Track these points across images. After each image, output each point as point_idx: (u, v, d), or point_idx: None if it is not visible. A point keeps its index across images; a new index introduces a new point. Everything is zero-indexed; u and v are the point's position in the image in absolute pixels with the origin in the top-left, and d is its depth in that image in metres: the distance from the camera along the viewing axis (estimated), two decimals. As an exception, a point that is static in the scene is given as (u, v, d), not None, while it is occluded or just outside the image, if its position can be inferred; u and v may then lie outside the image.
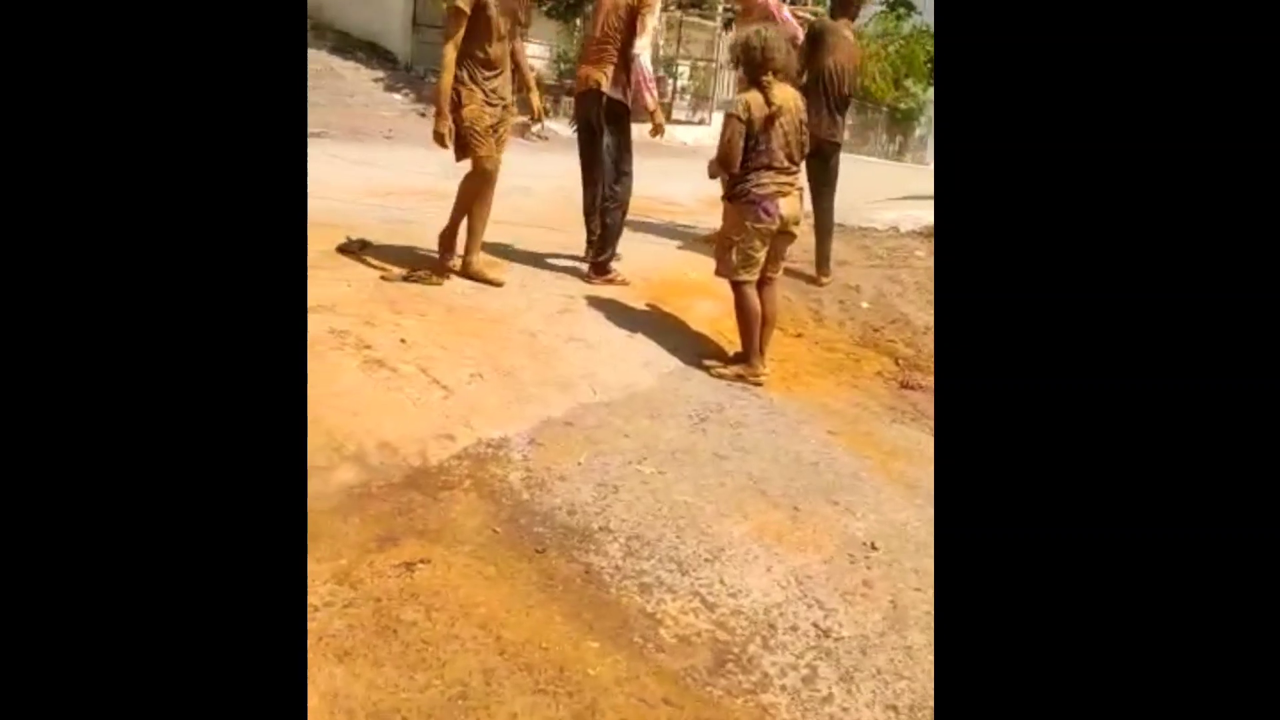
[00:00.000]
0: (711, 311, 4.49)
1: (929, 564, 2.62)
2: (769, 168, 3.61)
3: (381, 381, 3.01)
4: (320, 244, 4.39)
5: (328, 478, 2.50)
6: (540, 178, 7.10)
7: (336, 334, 3.23)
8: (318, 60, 12.80)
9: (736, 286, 3.80)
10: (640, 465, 2.94)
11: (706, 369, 3.85)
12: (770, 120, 3.55)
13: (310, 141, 8.62)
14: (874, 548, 2.69)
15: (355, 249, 4.38)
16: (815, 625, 2.29)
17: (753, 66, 3.62)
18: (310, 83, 12.09)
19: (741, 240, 3.69)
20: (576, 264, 4.81)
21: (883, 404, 3.82)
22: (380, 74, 13.19)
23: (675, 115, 15.84)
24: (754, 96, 3.58)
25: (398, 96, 12.63)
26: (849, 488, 3.03)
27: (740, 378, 3.80)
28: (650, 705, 1.92)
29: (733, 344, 4.30)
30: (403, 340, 3.31)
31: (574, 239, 5.02)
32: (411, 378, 3.08)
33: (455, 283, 4.12)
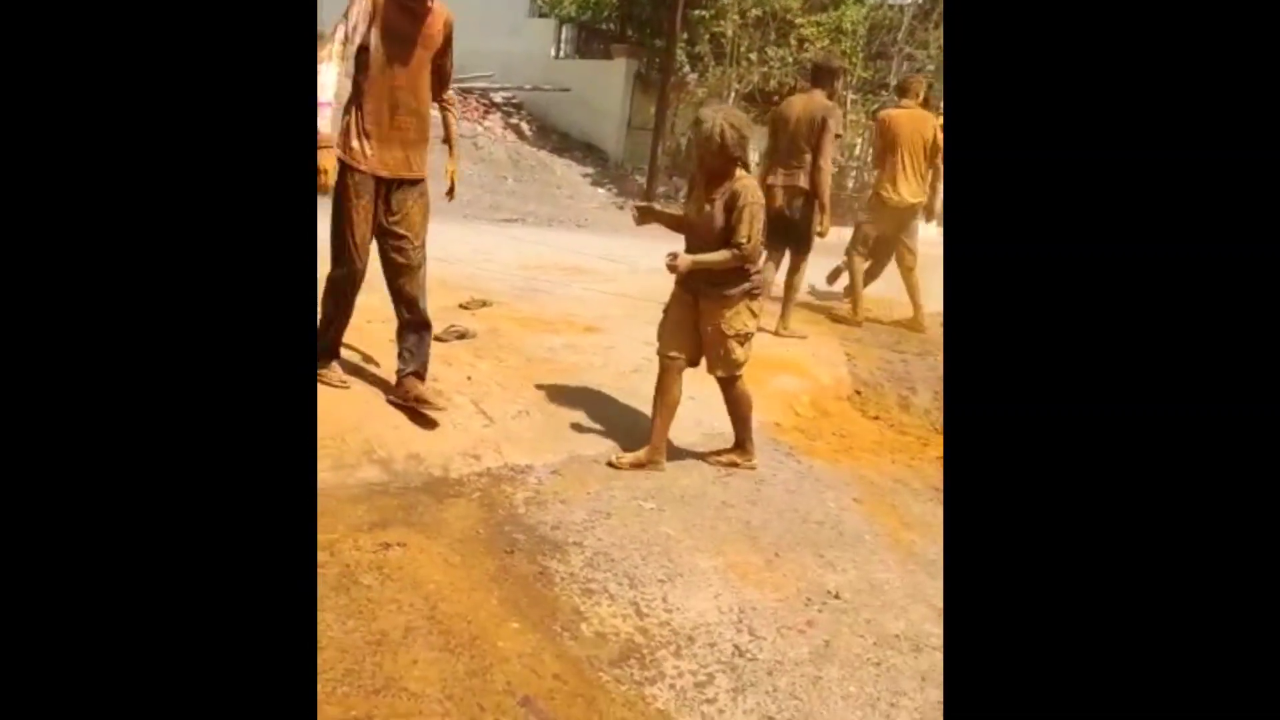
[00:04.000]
0: (790, 386, 4.70)
1: (889, 620, 2.72)
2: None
3: (432, 407, 3.47)
4: (447, 299, 5.02)
5: (353, 474, 2.97)
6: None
7: (412, 368, 3.75)
8: (534, 158, 14.07)
9: (736, 380, 3.63)
10: (644, 501, 3.22)
11: (702, 456, 3.74)
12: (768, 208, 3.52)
13: (504, 226, 9.59)
14: (837, 596, 2.81)
15: (475, 306, 4.97)
16: (735, 646, 2.46)
17: (741, 150, 3.39)
18: (524, 176, 13.37)
19: (751, 333, 3.59)
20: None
21: (928, 484, 3.87)
22: (589, 170, 14.27)
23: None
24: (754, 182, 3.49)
25: (601, 190, 13.60)
26: (844, 546, 3.15)
27: (734, 464, 3.69)
28: (539, 676, 2.19)
29: (802, 417, 4.50)
30: (469, 378, 3.78)
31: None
32: (462, 407, 3.53)
33: (542, 337, 4.59)
